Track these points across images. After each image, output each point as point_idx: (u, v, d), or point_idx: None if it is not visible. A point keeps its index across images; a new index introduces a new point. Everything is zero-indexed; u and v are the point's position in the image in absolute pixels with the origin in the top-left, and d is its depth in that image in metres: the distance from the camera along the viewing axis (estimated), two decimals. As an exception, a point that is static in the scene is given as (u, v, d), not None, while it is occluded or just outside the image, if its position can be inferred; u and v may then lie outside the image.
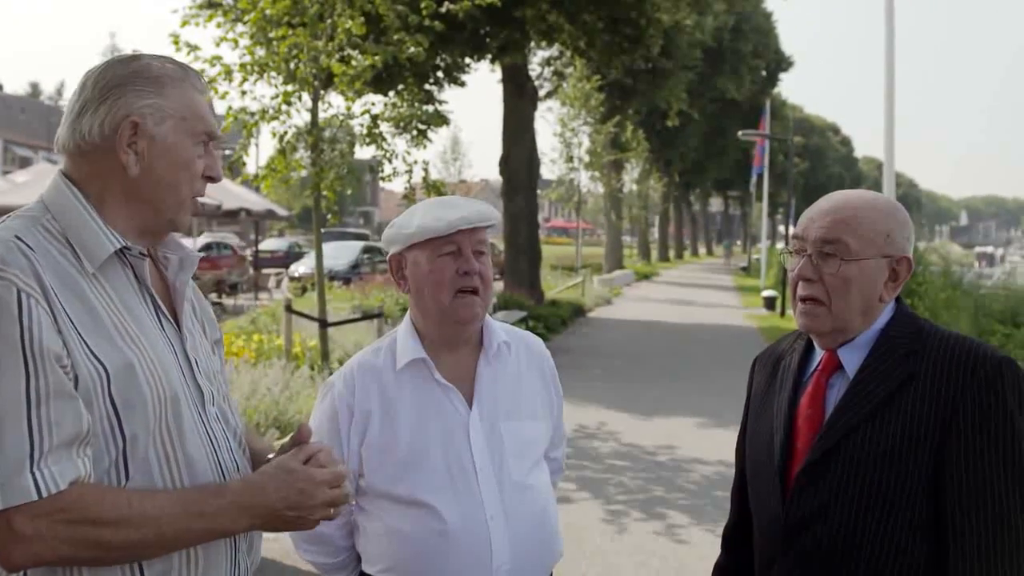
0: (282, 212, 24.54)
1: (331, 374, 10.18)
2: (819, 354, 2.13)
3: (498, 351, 2.42)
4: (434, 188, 11.33)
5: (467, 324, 2.34)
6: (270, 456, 1.91)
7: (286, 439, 1.89)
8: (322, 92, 10.65)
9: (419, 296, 2.34)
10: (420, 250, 2.31)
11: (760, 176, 37.79)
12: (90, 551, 1.62)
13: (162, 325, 1.83)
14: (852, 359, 2.04)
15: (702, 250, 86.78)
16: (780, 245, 34.34)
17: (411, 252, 2.33)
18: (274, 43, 10.13)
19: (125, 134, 1.78)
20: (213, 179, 1.91)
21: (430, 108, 14.77)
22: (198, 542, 1.73)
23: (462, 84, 23.50)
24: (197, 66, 10.03)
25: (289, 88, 10.38)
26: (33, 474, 1.56)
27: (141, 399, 1.69)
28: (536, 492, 2.37)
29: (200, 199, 1.92)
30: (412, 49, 10.79)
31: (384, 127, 11.01)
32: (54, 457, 1.58)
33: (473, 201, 2.38)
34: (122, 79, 1.80)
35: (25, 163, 48.91)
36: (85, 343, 1.65)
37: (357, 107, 10.92)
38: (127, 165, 1.78)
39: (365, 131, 10.89)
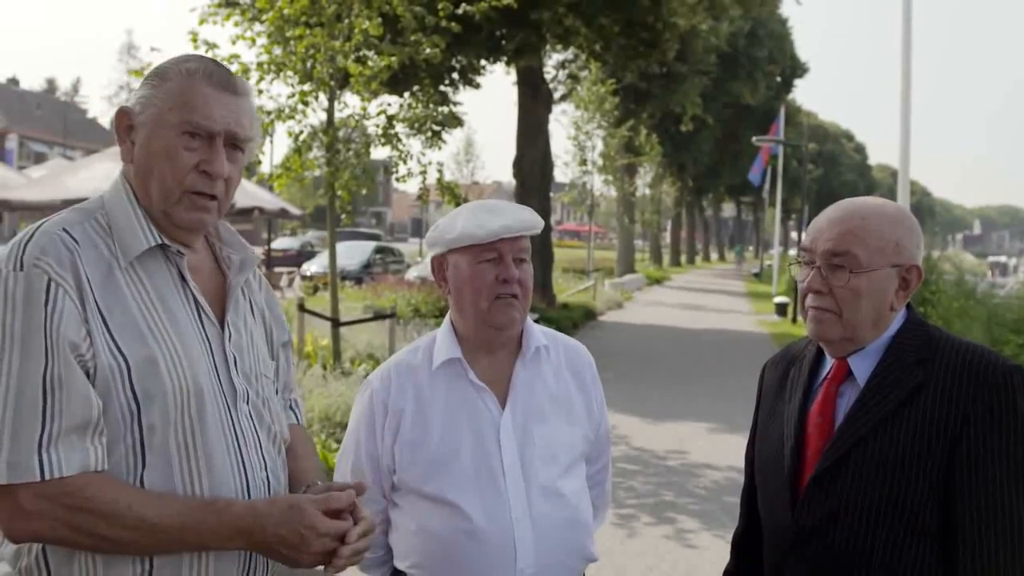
0: (295, 211, 24.55)
1: (343, 373, 10.16)
2: (829, 361, 2.12)
3: (536, 354, 2.41)
4: (448, 190, 11.35)
5: (504, 330, 2.34)
6: (309, 484, 1.96)
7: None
8: (338, 92, 10.68)
9: (458, 299, 2.35)
10: (461, 254, 2.32)
11: (762, 182, 37.70)
12: (85, 539, 1.68)
13: (201, 321, 1.87)
14: (862, 367, 2.04)
15: (714, 255, 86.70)
16: (792, 252, 34.27)
17: (452, 255, 2.34)
18: (291, 42, 10.16)
19: (122, 123, 1.88)
20: (208, 174, 1.85)
21: (445, 109, 14.79)
22: (190, 551, 1.76)
23: (477, 86, 23.54)
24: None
25: (305, 88, 10.40)
26: (40, 456, 1.63)
27: (161, 391, 1.74)
28: (566, 498, 2.35)
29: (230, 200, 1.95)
30: (428, 50, 10.81)
31: (399, 128, 11.03)
32: (64, 443, 1.65)
33: (517, 208, 2.37)
34: (144, 78, 1.90)
35: (40, 159, 49.03)
36: (111, 336, 1.72)
37: (373, 107, 10.94)
38: (123, 154, 1.89)
39: (380, 131, 10.91)
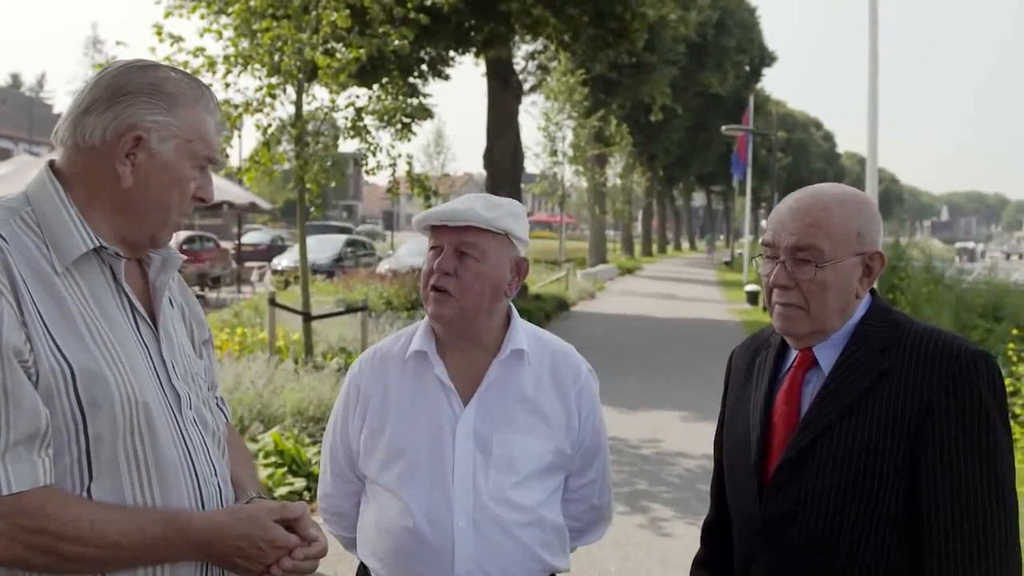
0: (265, 205, 24.38)
1: (315, 367, 10.12)
2: (795, 350, 2.12)
3: (511, 358, 2.31)
4: (418, 182, 11.32)
5: (436, 320, 2.29)
6: (252, 495, 1.92)
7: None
8: (306, 85, 10.61)
9: None
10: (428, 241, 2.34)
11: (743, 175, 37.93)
12: (43, 558, 1.60)
13: (138, 327, 1.80)
14: (827, 355, 2.04)
15: (685, 244, 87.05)
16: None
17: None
18: (258, 35, 10.09)
19: (126, 145, 1.75)
20: (204, 200, 1.88)
21: (414, 101, 14.76)
22: (148, 565, 1.72)
23: (446, 77, 23.49)
24: (180, 58, 10.01)
25: (273, 80, 10.33)
26: None
27: (108, 401, 1.66)
28: (522, 509, 2.26)
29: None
30: (397, 42, 10.76)
31: (368, 120, 10.99)
32: (11, 456, 1.56)
33: (464, 200, 2.30)
34: (136, 87, 1.77)
35: (5, 155, 48.40)
36: (52, 339, 1.63)
37: (341, 100, 10.90)
38: (121, 175, 1.76)
39: (349, 124, 10.87)
